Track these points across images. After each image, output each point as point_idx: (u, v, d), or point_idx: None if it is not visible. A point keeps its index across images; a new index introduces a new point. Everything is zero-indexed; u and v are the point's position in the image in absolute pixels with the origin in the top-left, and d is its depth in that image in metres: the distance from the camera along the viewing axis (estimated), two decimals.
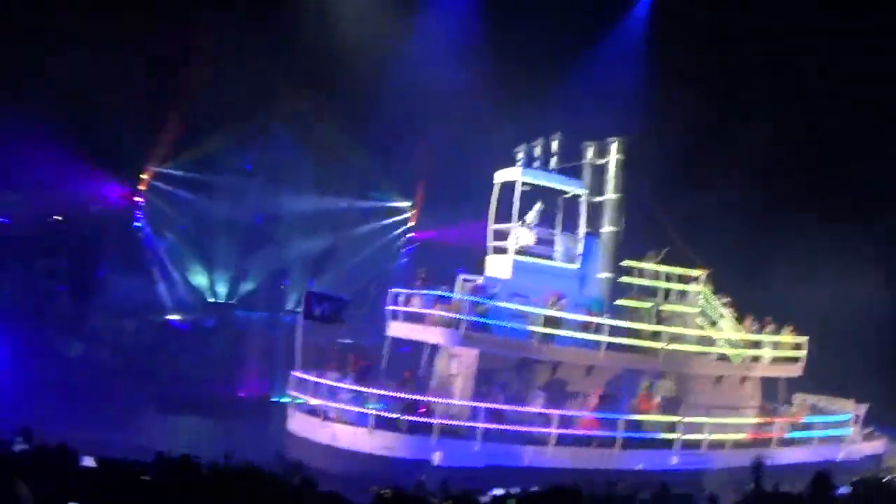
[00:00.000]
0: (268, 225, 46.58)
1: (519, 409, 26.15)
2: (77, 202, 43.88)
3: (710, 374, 30.01)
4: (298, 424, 26.18)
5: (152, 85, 41.68)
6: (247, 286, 46.26)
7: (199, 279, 46.54)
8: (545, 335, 27.04)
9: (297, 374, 26.33)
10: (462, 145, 35.15)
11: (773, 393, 32.10)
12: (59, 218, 43.81)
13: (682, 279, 30.65)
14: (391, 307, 28.08)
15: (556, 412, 26.07)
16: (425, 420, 24.75)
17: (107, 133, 41.01)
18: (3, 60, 37.73)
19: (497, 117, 36.85)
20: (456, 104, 38.78)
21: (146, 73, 41.25)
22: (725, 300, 31.13)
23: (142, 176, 45.02)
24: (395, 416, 24.84)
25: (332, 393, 25.71)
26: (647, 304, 29.78)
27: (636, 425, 27.65)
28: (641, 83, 40.37)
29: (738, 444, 29.06)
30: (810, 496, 12.33)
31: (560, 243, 29.35)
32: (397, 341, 28.98)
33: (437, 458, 24.39)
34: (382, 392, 25.30)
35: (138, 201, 45.26)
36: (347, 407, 25.18)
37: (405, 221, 48.62)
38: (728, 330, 30.71)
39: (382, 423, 24.75)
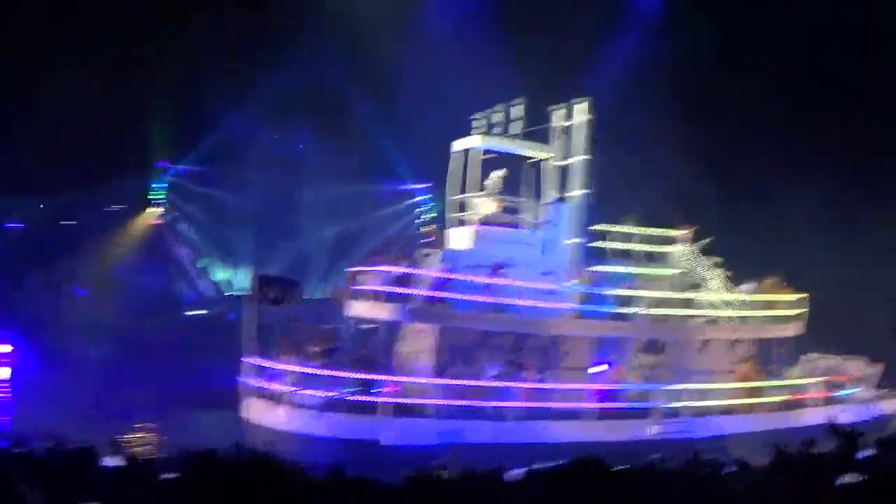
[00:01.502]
0: (286, 215, 46.38)
1: (472, 383, 25.31)
2: (92, 204, 44.37)
3: (693, 339, 28.66)
4: (252, 411, 25.91)
5: (165, 81, 41.88)
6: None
7: (220, 273, 46.70)
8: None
9: (248, 359, 26.02)
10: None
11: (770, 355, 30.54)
12: (74, 222, 44.36)
13: (664, 240, 29.42)
14: (351, 287, 27.49)
15: (517, 384, 25.45)
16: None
17: (120, 132, 41.39)
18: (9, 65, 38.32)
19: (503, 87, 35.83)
20: (462, 79, 38.02)
21: (158, 69, 41.43)
22: (715, 260, 29.72)
23: (158, 174, 45.35)
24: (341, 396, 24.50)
25: (281, 376, 25.36)
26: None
27: (610, 396, 26.70)
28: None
29: (725, 410, 27.88)
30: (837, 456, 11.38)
31: (528, 211, 28.41)
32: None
33: (384, 437, 23.83)
34: (327, 373, 24.86)
35: (156, 199, 45.60)
36: (288, 389, 24.85)
37: (424, 202, 48.11)
38: (716, 291, 29.30)
39: (331, 406, 24.39)
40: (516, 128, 28.35)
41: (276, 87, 41.81)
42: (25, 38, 38.39)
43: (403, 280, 25.95)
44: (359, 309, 27.01)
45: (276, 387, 25.28)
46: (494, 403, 25.11)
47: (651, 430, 26.60)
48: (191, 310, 44.26)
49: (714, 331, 29.08)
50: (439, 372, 25.57)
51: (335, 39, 39.37)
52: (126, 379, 33.00)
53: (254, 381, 25.85)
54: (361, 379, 25.18)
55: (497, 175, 27.83)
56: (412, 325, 26.77)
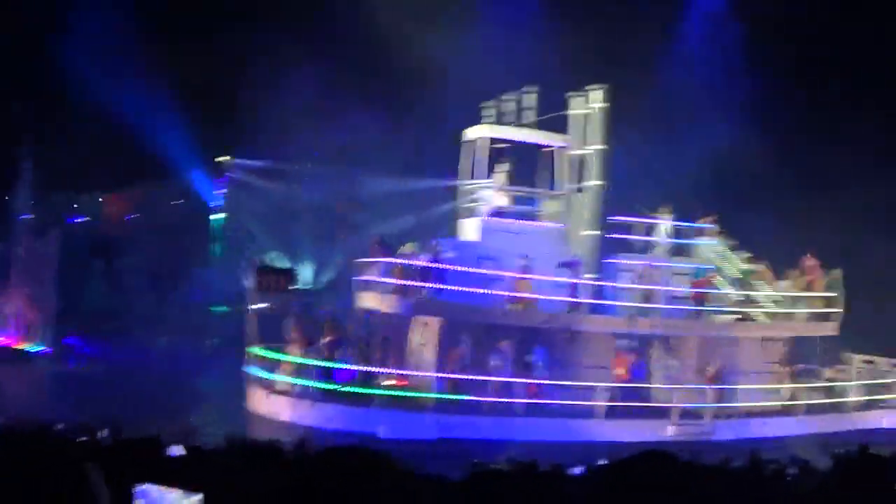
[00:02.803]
0: (347, 210, 46.18)
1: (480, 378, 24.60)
2: (156, 198, 44.96)
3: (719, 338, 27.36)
4: (254, 401, 25.72)
5: (224, 76, 42.21)
6: (329, 272, 46.05)
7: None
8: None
9: (251, 349, 25.82)
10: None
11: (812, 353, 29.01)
12: (138, 215, 45.04)
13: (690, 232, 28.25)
14: (357, 278, 27.15)
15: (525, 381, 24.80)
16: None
17: (182, 127, 41.86)
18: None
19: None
20: (516, 66, 37.23)
21: (216, 64, 41.76)
22: (746, 255, 28.33)
23: (219, 168, 45.71)
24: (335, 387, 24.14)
25: (276, 366, 25.14)
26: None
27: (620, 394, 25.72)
28: None
29: (750, 413, 26.58)
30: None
31: (543, 201, 27.56)
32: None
33: (381, 430, 23.32)
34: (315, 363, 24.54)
35: (217, 193, 46.01)
36: (287, 379, 24.60)
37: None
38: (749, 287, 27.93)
39: (329, 397, 24.07)
40: (530, 116, 27.49)
41: (336, 78, 41.60)
42: (88, 31, 39.05)
43: (408, 272, 25.47)
44: (365, 300, 26.63)
45: (275, 377, 25.04)
46: (493, 399, 24.42)
47: (669, 430, 25.53)
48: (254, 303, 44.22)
49: (741, 329, 27.69)
50: (441, 366, 24.96)
51: (392, 29, 38.77)
52: (186, 370, 33.37)
53: (256, 372, 25.64)
54: (361, 371, 24.83)
55: (502, 167, 27.12)
56: (419, 318, 26.30)
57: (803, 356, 28.97)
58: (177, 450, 10.40)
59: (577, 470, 12.99)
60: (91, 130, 40.35)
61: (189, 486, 8.24)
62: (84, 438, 12.77)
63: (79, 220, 44.91)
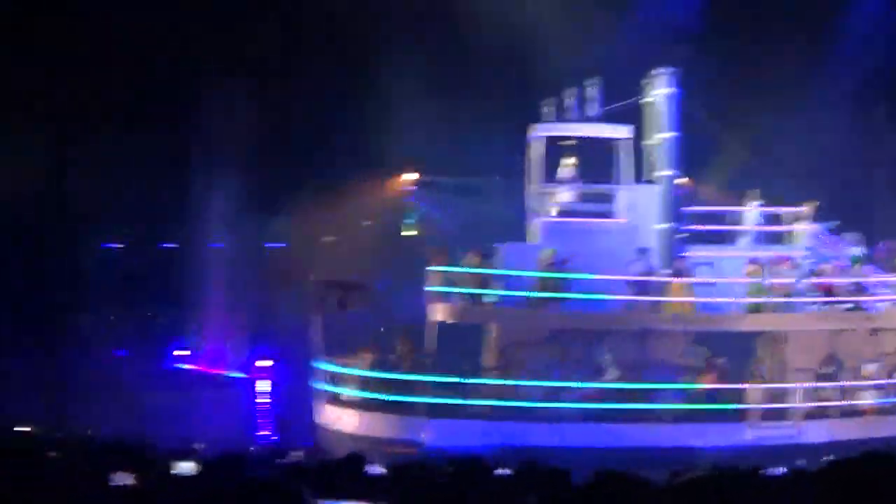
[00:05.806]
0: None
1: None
2: (346, 219, 46.18)
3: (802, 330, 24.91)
4: (315, 412, 26.32)
5: (410, 92, 42.87)
6: None
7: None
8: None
9: (319, 363, 26.37)
10: None
11: None
12: (331, 238, 46.41)
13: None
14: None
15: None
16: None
17: (368, 146, 43.01)
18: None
19: None
20: None
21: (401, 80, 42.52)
22: (856, 236, 25.58)
23: (407, 185, 46.32)
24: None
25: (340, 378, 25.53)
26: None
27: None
28: None
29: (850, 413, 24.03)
30: None
31: (618, 196, 26.27)
32: None
33: (425, 438, 23.29)
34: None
35: (409, 211, 46.70)
36: (331, 388, 25.00)
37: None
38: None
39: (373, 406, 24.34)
40: (593, 109, 26.20)
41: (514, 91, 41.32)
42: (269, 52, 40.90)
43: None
44: (430, 311, 26.43)
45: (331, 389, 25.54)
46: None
47: (748, 434, 23.63)
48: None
49: (843, 320, 24.98)
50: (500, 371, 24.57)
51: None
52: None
53: (319, 385, 26.19)
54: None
55: (567, 163, 26.12)
56: (489, 325, 25.90)
57: None
58: (376, 469, 10.86)
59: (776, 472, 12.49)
60: (278, 156, 42.19)
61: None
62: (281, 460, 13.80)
63: (272, 246, 46.90)
